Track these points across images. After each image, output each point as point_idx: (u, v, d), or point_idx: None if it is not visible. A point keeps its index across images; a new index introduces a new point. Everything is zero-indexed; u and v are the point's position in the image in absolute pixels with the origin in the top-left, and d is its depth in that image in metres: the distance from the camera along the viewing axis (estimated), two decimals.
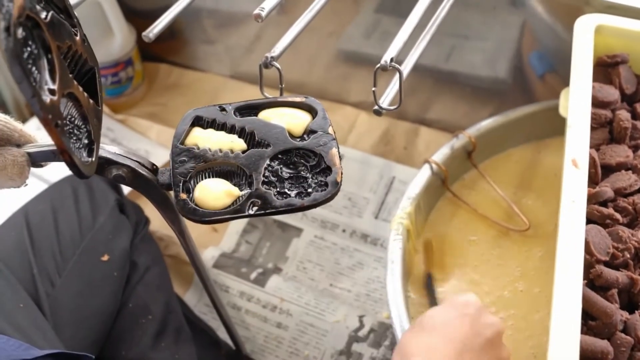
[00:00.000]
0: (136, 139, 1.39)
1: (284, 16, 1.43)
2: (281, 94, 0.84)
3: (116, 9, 1.38)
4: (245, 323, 1.13)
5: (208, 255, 1.20)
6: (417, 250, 0.96)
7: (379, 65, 0.77)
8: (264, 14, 0.83)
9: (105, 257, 0.96)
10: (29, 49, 0.55)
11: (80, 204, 1.00)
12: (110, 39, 1.39)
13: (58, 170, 1.14)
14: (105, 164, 0.71)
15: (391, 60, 0.77)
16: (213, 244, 1.22)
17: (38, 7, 0.58)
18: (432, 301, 0.92)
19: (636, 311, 0.72)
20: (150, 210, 1.07)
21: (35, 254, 0.92)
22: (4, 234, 0.94)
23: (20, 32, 0.53)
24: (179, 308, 1.02)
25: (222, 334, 1.08)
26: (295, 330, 1.11)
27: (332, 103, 1.40)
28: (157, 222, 1.11)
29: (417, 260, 0.96)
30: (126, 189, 1.15)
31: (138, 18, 1.49)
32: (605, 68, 0.93)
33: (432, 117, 1.39)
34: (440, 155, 1.01)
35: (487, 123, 1.05)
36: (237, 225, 1.24)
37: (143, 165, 0.73)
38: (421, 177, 0.98)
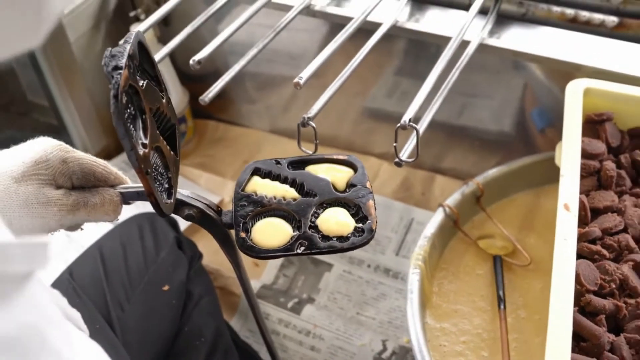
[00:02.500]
0: (188, 185, 1.45)
1: (316, 79, 1.48)
2: (316, 149, 0.90)
3: (173, 75, 1.46)
4: (284, 346, 1.17)
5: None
6: (431, 283, 1.00)
7: (399, 124, 0.83)
8: (302, 82, 0.89)
9: (166, 287, 1.00)
10: (128, 111, 0.61)
11: (145, 241, 1.05)
12: None
13: (126, 210, 1.21)
14: (180, 205, 0.76)
15: (409, 120, 0.83)
16: (255, 277, 1.26)
17: (137, 77, 0.64)
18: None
19: (621, 334, 0.76)
20: (202, 246, 1.13)
21: (108, 283, 0.97)
22: (82, 266, 0.99)
23: (124, 98, 0.59)
24: (228, 332, 1.06)
25: (264, 355, 1.12)
26: (327, 352, 1.14)
27: (358, 154, 1.42)
28: (208, 257, 1.17)
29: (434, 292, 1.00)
30: (182, 227, 1.22)
31: (190, 82, 1.56)
32: (593, 125, 0.98)
33: (446, 166, 1.43)
34: (452, 200, 1.05)
35: (493, 172, 1.09)
36: (276, 261, 1.28)
37: (210, 207, 0.78)
38: (436, 219, 1.02)
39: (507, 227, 1.06)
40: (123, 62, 0.61)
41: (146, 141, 0.64)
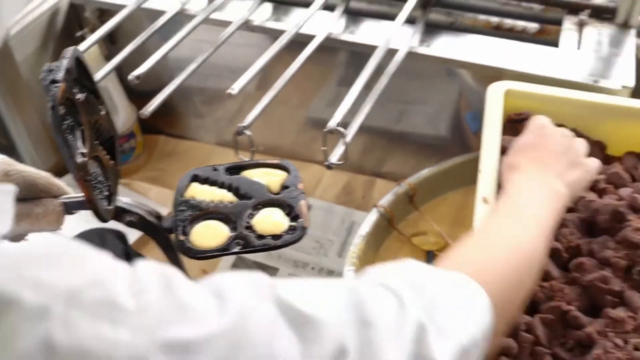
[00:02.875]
0: (138, 199, 1.46)
1: (261, 91, 1.52)
2: (253, 156, 0.94)
3: (120, 92, 1.48)
4: None
5: None
6: None
7: (326, 129, 0.87)
8: (234, 92, 0.93)
9: None
10: (67, 122, 0.65)
11: None
12: (115, 116, 1.49)
13: (76, 227, 1.23)
14: (121, 212, 0.79)
15: (336, 125, 0.87)
16: None
17: (75, 90, 0.67)
18: None
19: (535, 315, 0.80)
20: (150, 258, 1.15)
21: None
22: None
23: (61, 110, 0.63)
24: None
25: None
26: None
27: (302, 162, 1.48)
28: None
29: None
30: (131, 240, 1.24)
31: (138, 98, 1.59)
32: (514, 124, 1.03)
33: (386, 170, 1.48)
34: (386, 200, 1.09)
35: (424, 172, 1.13)
36: (223, 269, 1.32)
37: (150, 214, 0.81)
38: (370, 218, 1.06)
39: (440, 224, 1.10)
40: (60, 76, 0.64)
41: (85, 151, 0.67)
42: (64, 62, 0.67)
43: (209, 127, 1.64)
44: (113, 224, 1.15)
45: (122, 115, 1.49)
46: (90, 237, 1.10)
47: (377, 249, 1.08)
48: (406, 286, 0.52)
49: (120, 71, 1.07)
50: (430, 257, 1.06)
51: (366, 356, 0.45)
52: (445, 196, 1.16)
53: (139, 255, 1.14)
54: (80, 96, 0.68)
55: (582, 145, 0.85)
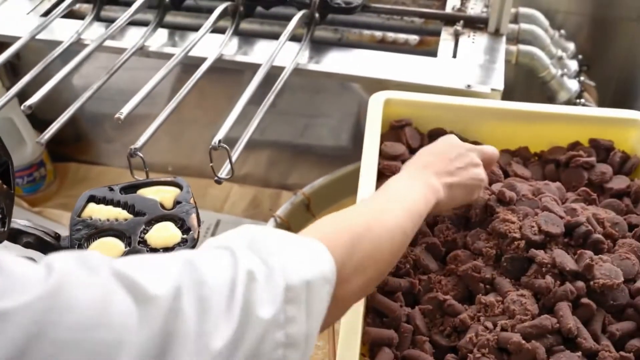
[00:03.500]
0: (51, 226, 1.46)
1: (171, 115, 1.54)
2: (147, 176, 0.96)
3: (25, 122, 1.48)
4: None
5: None
6: None
7: (210, 146, 0.90)
8: (122, 117, 0.95)
9: None
10: None
11: None
12: (23, 146, 1.48)
13: None
14: (18, 233, 0.80)
15: (219, 142, 0.90)
16: None
17: None
18: None
19: (416, 306, 0.85)
20: None
21: None
22: None
23: None
24: None
25: None
26: None
27: (211, 180, 1.48)
28: None
29: None
30: None
31: (45, 127, 1.58)
32: (396, 130, 1.08)
33: (292, 182, 1.51)
34: (282, 210, 1.13)
35: (319, 181, 1.17)
36: None
37: (47, 234, 0.83)
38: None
39: None
40: None
41: None
42: None
43: (119, 151, 1.65)
44: (23, 251, 1.16)
45: (29, 145, 1.48)
46: None
47: None
48: (243, 242, 0.53)
49: (24, 102, 1.08)
50: None
51: (201, 314, 0.46)
52: (341, 203, 1.19)
53: None
54: None
55: (474, 157, 0.88)
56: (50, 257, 0.44)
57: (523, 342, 0.75)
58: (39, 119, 1.56)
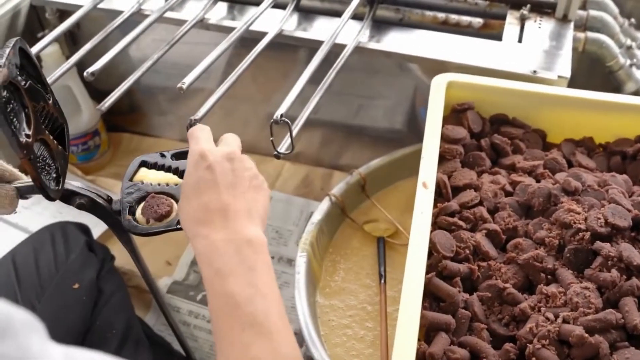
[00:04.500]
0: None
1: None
2: None
3: (83, 90, 1.49)
4: (194, 336, 1.21)
5: (162, 283, 1.28)
6: (321, 265, 1.06)
7: (272, 119, 0.89)
8: (184, 86, 0.94)
9: (76, 286, 1.04)
10: (11, 105, 0.67)
11: (57, 246, 1.08)
12: (79, 114, 1.49)
13: (37, 221, 1.24)
14: (71, 194, 0.81)
15: (281, 116, 0.89)
16: (167, 275, 1.30)
17: (19, 78, 0.69)
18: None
19: (475, 293, 0.84)
20: (118, 250, 1.17)
21: (19, 286, 1.00)
22: None
23: (4, 93, 0.65)
24: (139, 325, 1.10)
25: (177, 346, 1.17)
26: None
27: (263, 156, 1.50)
28: (123, 259, 1.20)
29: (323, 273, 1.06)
30: (97, 234, 1.25)
31: (102, 97, 1.59)
32: (457, 114, 1.06)
33: (344, 162, 1.50)
34: (338, 189, 1.11)
35: (375, 162, 1.16)
36: (187, 259, 1.33)
37: (100, 196, 0.83)
38: (322, 207, 1.09)
39: (391, 212, 1.13)
40: (2, 61, 0.66)
41: (29, 132, 0.69)
42: (7, 50, 0.69)
43: (172, 124, 1.65)
44: (77, 218, 1.17)
45: (86, 114, 1.49)
46: (52, 230, 1.11)
47: (331, 236, 1.11)
48: None
49: (83, 71, 1.08)
50: (380, 242, 1.09)
51: None
52: (396, 185, 1.18)
53: (103, 247, 1.15)
54: (24, 83, 0.70)
55: (247, 162, 0.72)
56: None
57: (586, 335, 0.73)
58: (95, 89, 1.57)
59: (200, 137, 0.72)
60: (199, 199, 0.67)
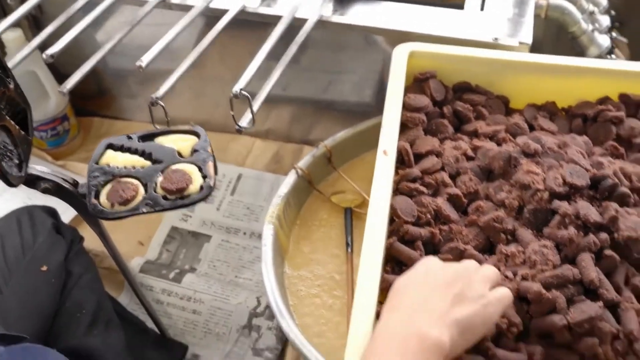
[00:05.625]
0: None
1: (195, 70, 1.54)
2: (168, 126, 0.96)
3: (49, 76, 1.48)
4: (168, 313, 1.22)
5: (135, 263, 1.28)
6: (288, 237, 1.07)
7: (232, 94, 0.89)
8: (143, 64, 0.94)
9: (45, 268, 1.04)
10: None
11: (23, 230, 1.08)
12: (46, 100, 1.48)
13: (4, 208, 1.24)
14: (36, 179, 0.81)
15: (240, 90, 0.89)
16: (140, 255, 1.31)
17: None
18: None
19: (437, 255, 0.85)
20: (90, 232, 1.17)
21: None
22: None
23: None
24: (110, 304, 1.11)
25: (151, 325, 1.18)
26: (207, 313, 1.20)
27: (233, 135, 1.49)
28: (96, 242, 1.20)
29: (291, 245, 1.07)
30: (67, 217, 1.25)
31: None
32: (420, 83, 1.06)
33: (314, 137, 1.50)
34: (304, 162, 1.12)
35: (340, 135, 1.16)
36: (159, 238, 1.34)
37: (66, 181, 0.83)
38: (289, 180, 1.09)
39: (358, 183, 1.13)
40: None
41: None
42: None
43: (142, 106, 1.63)
44: (48, 203, 1.17)
45: (53, 99, 1.49)
46: (18, 215, 1.11)
47: (298, 208, 1.11)
48: None
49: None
50: (348, 212, 1.09)
51: None
52: (363, 156, 1.18)
53: (71, 229, 1.15)
54: None
55: (480, 275, 0.70)
56: None
57: (544, 291, 0.74)
58: (62, 74, 1.55)
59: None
60: (414, 291, 0.68)
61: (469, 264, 0.71)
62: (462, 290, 0.66)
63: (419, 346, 0.60)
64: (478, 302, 0.66)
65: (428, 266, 0.70)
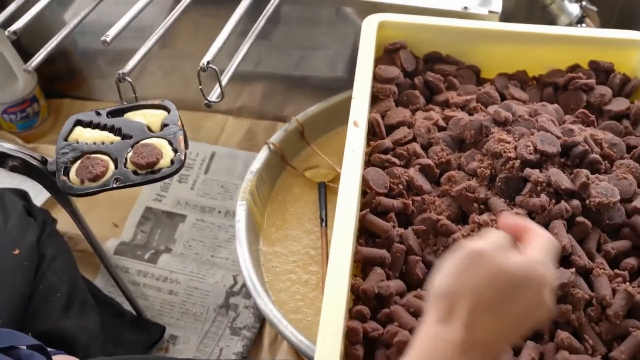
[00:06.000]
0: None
1: (164, 49, 1.52)
2: (136, 101, 0.94)
3: (16, 56, 1.45)
4: (144, 294, 1.21)
5: (110, 245, 1.27)
6: (262, 214, 1.06)
7: (199, 67, 0.88)
8: (108, 39, 0.93)
9: (17, 251, 1.02)
10: None
11: None
12: (14, 81, 1.46)
13: None
14: (3, 157, 0.79)
15: (207, 63, 0.88)
16: (114, 236, 1.29)
17: None
18: None
19: (409, 227, 0.84)
20: (60, 215, 1.15)
21: None
22: None
23: None
24: (84, 286, 1.10)
25: (128, 307, 1.17)
26: (184, 294, 1.19)
27: (206, 113, 1.49)
28: (70, 224, 1.19)
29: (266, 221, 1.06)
30: (38, 200, 1.23)
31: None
32: (390, 54, 1.05)
33: (287, 114, 1.48)
34: (276, 137, 1.11)
35: (312, 109, 1.16)
36: (134, 219, 1.32)
37: (34, 158, 0.82)
38: (261, 155, 1.08)
39: (331, 157, 1.13)
40: None
41: None
42: None
43: (113, 86, 1.59)
44: (17, 184, 1.15)
45: (21, 80, 1.46)
46: None
47: (272, 184, 1.11)
48: None
49: (17, 38, 1.06)
50: (322, 187, 1.09)
51: None
52: (336, 130, 1.19)
53: (43, 211, 1.14)
54: None
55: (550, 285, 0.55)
56: None
57: None
58: (30, 54, 1.53)
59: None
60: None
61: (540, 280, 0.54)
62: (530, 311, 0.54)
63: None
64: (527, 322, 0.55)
65: (501, 280, 0.53)
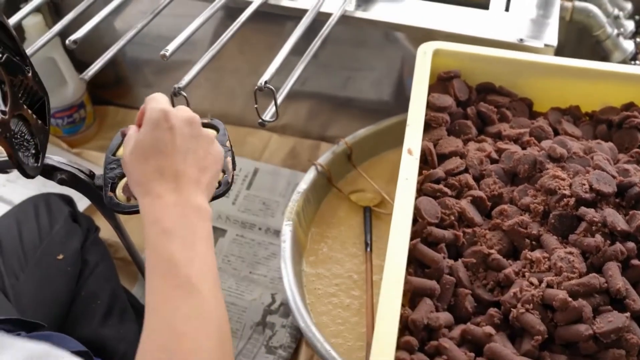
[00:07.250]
0: (90, 168, 1.47)
1: (212, 63, 1.52)
2: None
3: (68, 63, 1.47)
4: None
5: None
6: (307, 234, 1.06)
7: (256, 87, 0.88)
8: (167, 54, 0.93)
9: (60, 256, 1.03)
10: None
11: (40, 217, 1.08)
12: (64, 87, 1.47)
13: (22, 194, 1.23)
14: (52, 170, 0.79)
15: (265, 83, 0.88)
16: None
17: None
18: None
19: (459, 259, 0.83)
20: (102, 222, 1.16)
21: (3, 257, 1.00)
22: None
23: None
24: (124, 295, 1.10)
25: None
26: None
27: (250, 128, 1.49)
28: (111, 231, 1.19)
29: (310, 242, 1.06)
30: (82, 205, 1.24)
31: (87, 69, 1.58)
32: (444, 82, 1.05)
33: (331, 134, 1.49)
34: (324, 158, 1.11)
35: (361, 132, 1.15)
36: None
37: (82, 172, 0.82)
38: (308, 176, 1.08)
39: (377, 181, 1.13)
40: None
41: (5, 109, 0.67)
42: None
43: None
44: (64, 190, 1.16)
45: (71, 86, 1.48)
46: (36, 202, 1.10)
47: (317, 205, 1.10)
48: None
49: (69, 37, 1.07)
50: (367, 211, 1.08)
51: None
52: (383, 155, 1.18)
53: (87, 218, 1.15)
54: (1, 56, 0.68)
55: (206, 132, 0.72)
56: None
57: (569, 299, 0.73)
58: (81, 62, 1.55)
59: (161, 100, 0.71)
60: (155, 159, 0.66)
61: (188, 117, 0.70)
62: (203, 155, 0.69)
63: (199, 222, 0.64)
64: (212, 167, 0.70)
65: (160, 125, 0.67)
